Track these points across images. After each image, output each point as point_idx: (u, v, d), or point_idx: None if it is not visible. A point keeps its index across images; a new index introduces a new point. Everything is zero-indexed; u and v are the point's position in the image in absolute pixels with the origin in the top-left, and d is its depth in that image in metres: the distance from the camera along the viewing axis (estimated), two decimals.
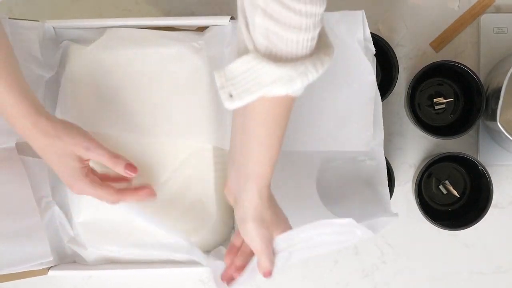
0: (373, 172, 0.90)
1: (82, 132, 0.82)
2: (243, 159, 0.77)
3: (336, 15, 0.88)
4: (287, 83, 0.67)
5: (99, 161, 0.82)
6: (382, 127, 0.89)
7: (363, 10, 0.89)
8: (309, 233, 0.81)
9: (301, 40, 0.66)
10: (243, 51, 0.69)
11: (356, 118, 0.89)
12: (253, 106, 0.72)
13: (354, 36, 0.88)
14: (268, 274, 0.79)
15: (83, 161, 0.81)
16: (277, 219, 0.79)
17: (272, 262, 0.78)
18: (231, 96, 0.69)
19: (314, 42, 0.68)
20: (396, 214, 0.86)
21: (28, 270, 0.88)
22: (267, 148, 0.75)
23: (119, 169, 0.83)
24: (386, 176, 0.89)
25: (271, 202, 0.79)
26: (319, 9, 0.65)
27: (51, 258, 0.88)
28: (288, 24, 0.64)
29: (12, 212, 0.85)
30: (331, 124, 0.89)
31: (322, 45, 0.70)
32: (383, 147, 0.90)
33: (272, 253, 0.78)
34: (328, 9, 0.71)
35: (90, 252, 0.92)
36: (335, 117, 0.89)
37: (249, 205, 0.77)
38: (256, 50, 0.68)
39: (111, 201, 0.83)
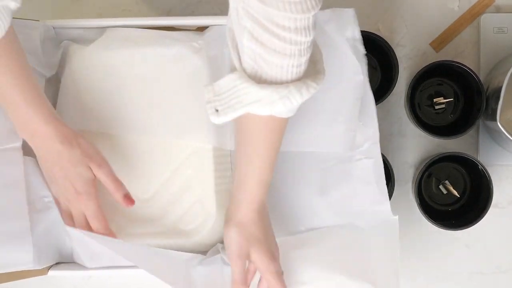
0: (370, 171, 0.90)
1: (96, 147, 0.84)
2: (238, 174, 0.79)
3: (327, 13, 0.87)
4: (267, 104, 0.68)
5: (102, 180, 0.83)
6: (377, 125, 0.89)
7: (353, 9, 0.88)
8: None
9: (285, 66, 0.67)
10: (233, 68, 0.71)
11: (344, 118, 0.88)
12: (243, 126, 0.74)
13: (343, 34, 0.88)
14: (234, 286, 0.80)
15: (93, 174, 0.82)
16: (262, 237, 0.79)
17: (240, 275, 0.79)
18: (216, 111, 0.71)
19: (301, 68, 0.68)
20: (395, 219, 0.87)
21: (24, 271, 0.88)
22: (257, 168, 0.77)
23: (119, 195, 0.84)
24: (384, 174, 0.89)
25: (262, 220, 0.80)
26: (305, 38, 0.65)
27: (31, 265, 0.86)
28: (273, 49, 0.65)
29: (1, 215, 0.84)
30: (319, 124, 0.89)
31: (313, 71, 0.71)
32: (379, 145, 0.89)
33: (242, 266, 0.79)
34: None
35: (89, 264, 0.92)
36: (323, 117, 0.89)
37: (237, 211, 0.79)
38: (243, 70, 0.69)
39: (99, 226, 0.84)
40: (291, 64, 0.67)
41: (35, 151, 0.82)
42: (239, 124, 0.75)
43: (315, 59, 0.72)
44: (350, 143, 0.89)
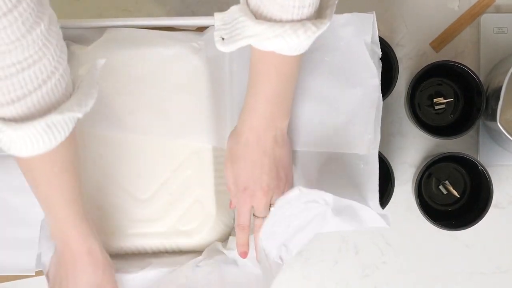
0: (365, 177, 0.89)
1: (115, 280, 0.83)
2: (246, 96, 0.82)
3: (346, 16, 0.87)
4: (264, 41, 0.69)
5: None
6: (379, 132, 0.89)
7: (374, 12, 0.88)
8: (279, 221, 0.85)
9: (285, 5, 0.67)
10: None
11: (358, 121, 0.88)
12: (251, 55, 0.76)
13: (362, 38, 0.87)
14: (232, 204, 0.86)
15: None
16: (241, 160, 0.82)
17: (227, 176, 0.84)
18: (222, 39, 0.72)
19: (304, 10, 0.68)
20: (386, 215, 0.86)
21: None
22: (260, 94, 0.78)
23: None
24: (377, 183, 0.87)
25: (252, 147, 0.81)
26: None
27: (34, 274, 0.87)
28: None
29: (14, 223, 0.85)
30: (332, 125, 0.89)
31: (319, 15, 0.71)
32: (377, 152, 0.89)
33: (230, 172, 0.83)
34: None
35: None
36: (337, 118, 0.89)
37: (238, 123, 0.82)
38: (247, 4, 0.71)
39: None
40: (291, 4, 0.67)
41: (57, 255, 0.82)
42: (251, 53, 0.76)
43: (327, 4, 0.72)
44: (367, 146, 0.88)
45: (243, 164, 0.82)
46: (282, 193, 0.84)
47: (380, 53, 0.89)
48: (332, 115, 0.88)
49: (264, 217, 0.84)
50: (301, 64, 0.78)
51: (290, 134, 0.86)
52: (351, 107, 0.88)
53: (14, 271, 0.86)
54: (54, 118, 0.67)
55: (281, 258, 0.87)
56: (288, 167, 0.86)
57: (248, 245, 0.86)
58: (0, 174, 0.86)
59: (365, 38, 0.88)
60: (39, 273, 0.90)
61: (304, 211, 0.85)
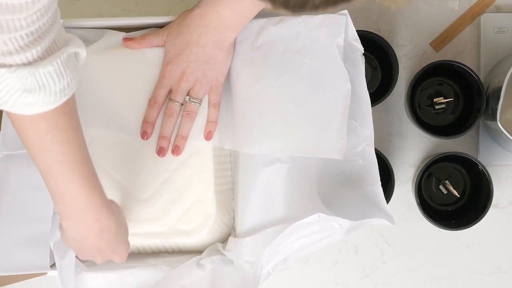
0: (365, 172, 0.88)
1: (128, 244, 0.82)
2: None
3: (321, 18, 0.86)
4: None
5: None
6: (372, 127, 0.88)
7: (346, 12, 0.87)
8: (288, 241, 0.84)
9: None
10: None
11: (335, 126, 0.87)
12: None
13: (334, 41, 0.86)
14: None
15: None
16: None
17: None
18: None
19: None
20: (391, 216, 0.86)
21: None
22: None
23: None
24: (378, 176, 0.87)
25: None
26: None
27: (47, 272, 0.87)
28: None
29: (27, 220, 0.85)
30: (310, 130, 0.88)
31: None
32: (373, 148, 0.88)
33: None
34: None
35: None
36: (314, 123, 0.87)
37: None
38: None
39: None
40: None
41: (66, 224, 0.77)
42: None
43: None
44: (341, 151, 0.87)
45: (181, 39, 0.85)
46: (203, 95, 0.87)
47: (362, 48, 0.88)
48: (308, 119, 0.87)
49: (177, 103, 0.87)
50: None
51: (268, 137, 0.86)
52: (326, 112, 0.87)
53: (29, 269, 0.85)
54: (67, 51, 0.67)
55: (273, 269, 0.87)
56: (220, 76, 0.88)
57: (152, 125, 0.88)
58: (13, 172, 0.86)
59: (337, 41, 0.86)
60: (38, 272, 0.90)
61: (317, 232, 0.85)
